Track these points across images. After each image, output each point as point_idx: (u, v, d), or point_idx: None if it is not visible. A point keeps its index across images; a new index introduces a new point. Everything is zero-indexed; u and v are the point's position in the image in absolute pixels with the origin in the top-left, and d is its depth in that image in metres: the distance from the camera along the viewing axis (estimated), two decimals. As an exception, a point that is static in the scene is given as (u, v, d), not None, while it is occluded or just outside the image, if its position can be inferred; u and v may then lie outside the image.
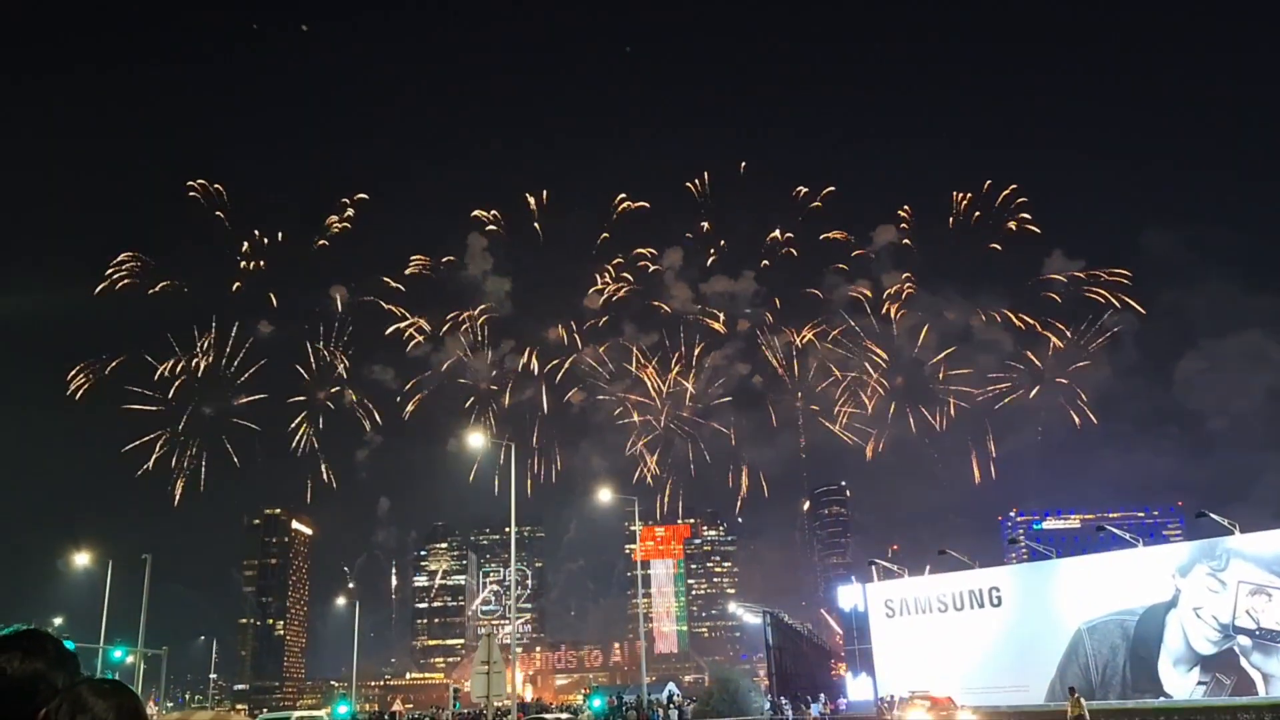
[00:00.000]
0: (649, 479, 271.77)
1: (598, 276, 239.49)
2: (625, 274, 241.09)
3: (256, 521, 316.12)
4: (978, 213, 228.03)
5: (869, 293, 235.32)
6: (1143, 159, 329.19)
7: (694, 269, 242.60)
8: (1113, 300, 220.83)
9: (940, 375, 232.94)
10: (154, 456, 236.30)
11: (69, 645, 3.62)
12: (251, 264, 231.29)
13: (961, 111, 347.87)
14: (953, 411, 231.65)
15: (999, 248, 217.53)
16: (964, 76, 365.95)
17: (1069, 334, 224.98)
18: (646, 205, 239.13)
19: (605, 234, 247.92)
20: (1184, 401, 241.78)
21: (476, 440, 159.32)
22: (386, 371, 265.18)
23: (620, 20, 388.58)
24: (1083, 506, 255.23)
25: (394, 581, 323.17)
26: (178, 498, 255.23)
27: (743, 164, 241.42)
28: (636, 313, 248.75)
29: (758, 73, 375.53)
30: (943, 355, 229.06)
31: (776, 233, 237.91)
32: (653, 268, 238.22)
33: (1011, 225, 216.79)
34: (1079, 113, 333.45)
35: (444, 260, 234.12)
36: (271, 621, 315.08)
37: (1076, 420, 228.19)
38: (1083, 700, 46.68)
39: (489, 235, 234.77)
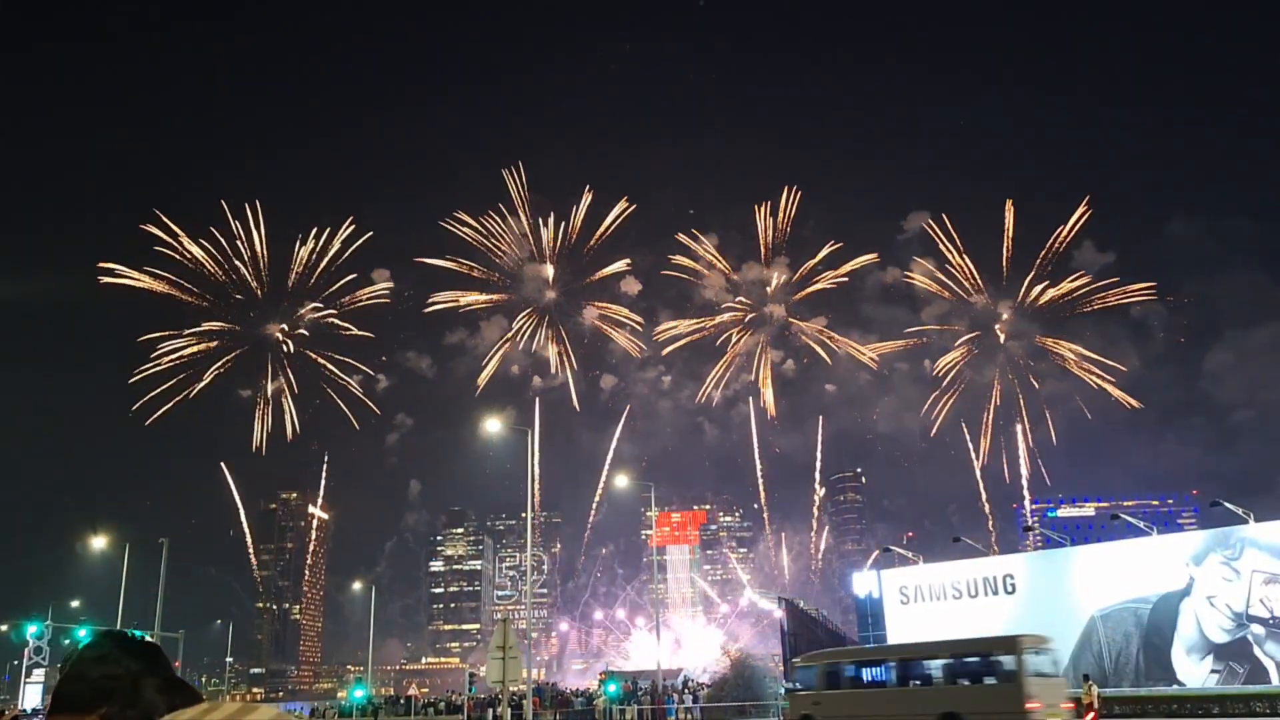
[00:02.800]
0: (676, 464, 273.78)
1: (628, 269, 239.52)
2: (661, 267, 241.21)
3: (272, 506, 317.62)
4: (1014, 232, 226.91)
5: (900, 275, 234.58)
6: (1169, 148, 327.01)
7: (729, 257, 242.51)
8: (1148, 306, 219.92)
9: (963, 363, 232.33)
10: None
11: (135, 634, 3.92)
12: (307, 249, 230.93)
13: (987, 100, 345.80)
14: (997, 401, 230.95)
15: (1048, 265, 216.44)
16: (988, 66, 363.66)
17: (1095, 335, 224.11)
18: (692, 210, 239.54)
19: (640, 222, 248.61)
20: (1210, 392, 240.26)
21: (494, 426, 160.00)
22: (422, 359, 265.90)
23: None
24: (1097, 494, 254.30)
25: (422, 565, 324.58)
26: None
27: (789, 186, 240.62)
28: (671, 299, 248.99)
29: (778, 63, 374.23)
30: (968, 342, 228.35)
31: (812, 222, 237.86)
32: (695, 256, 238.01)
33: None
34: (1101, 99, 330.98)
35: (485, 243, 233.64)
36: (288, 606, 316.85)
37: (1089, 415, 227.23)
38: (1095, 688, 46.76)
39: (528, 221, 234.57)
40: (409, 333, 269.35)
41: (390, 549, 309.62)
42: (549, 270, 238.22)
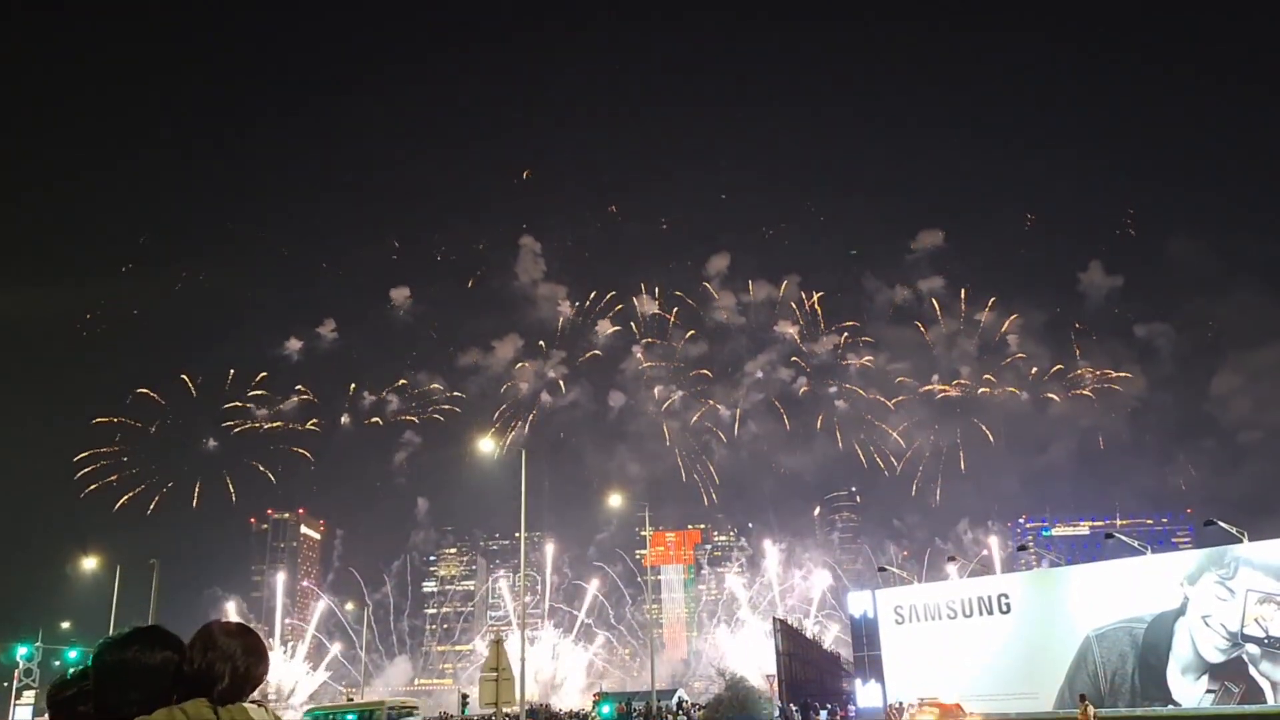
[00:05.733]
0: (679, 484, 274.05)
1: (644, 288, 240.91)
2: (674, 287, 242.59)
3: (265, 526, 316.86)
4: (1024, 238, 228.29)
5: (913, 289, 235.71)
6: (1170, 166, 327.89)
7: (738, 278, 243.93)
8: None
9: (969, 384, 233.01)
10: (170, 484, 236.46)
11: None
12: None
13: (991, 118, 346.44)
14: (1008, 427, 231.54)
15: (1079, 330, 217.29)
16: (991, 84, 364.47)
17: (1102, 355, 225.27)
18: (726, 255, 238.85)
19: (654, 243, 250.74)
20: (1214, 414, 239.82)
21: (487, 446, 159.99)
22: (434, 379, 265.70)
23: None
24: (1092, 513, 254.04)
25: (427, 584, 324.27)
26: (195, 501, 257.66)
27: (813, 210, 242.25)
28: (685, 319, 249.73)
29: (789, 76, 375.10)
30: (976, 365, 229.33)
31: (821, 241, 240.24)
32: (703, 283, 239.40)
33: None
34: (1105, 118, 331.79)
35: (481, 271, 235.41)
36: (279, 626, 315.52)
37: (1101, 438, 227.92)
38: (1091, 708, 46.60)
39: (542, 242, 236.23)
40: (421, 352, 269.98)
41: (397, 568, 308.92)
42: (562, 291, 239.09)
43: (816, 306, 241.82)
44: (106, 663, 4.42)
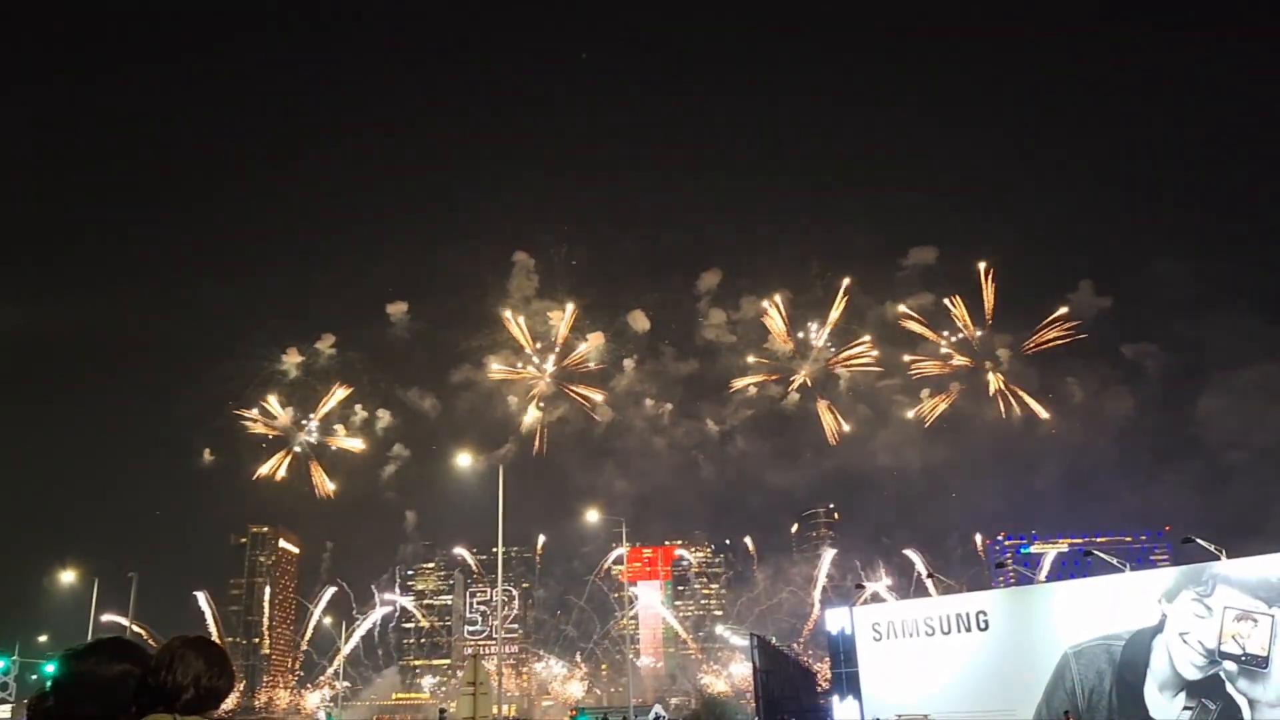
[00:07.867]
0: (663, 500, 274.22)
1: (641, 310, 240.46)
2: (664, 304, 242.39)
3: (243, 540, 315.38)
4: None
5: (899, 311, 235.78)
6: (1152, 188, 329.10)
7: (728, 296, 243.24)
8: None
9: (957, 401, 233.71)
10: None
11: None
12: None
13: (981, 136, 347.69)
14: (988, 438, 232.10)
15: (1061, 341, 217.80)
16: (983, 104, 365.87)
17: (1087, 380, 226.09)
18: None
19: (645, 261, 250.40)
20: (1199, 435, 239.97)
21: (464, 460, 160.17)
22: (425, 398, 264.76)
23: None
24: (1070, 530, 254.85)
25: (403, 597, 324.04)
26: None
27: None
28: (675, 335, 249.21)
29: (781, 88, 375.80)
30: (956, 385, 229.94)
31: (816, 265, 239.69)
32: (694, 298, 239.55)
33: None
34: (1092, 139, 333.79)
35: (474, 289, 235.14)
36: (257, 641, 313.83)
37: (1087, 458, 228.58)
38: (1073, 725, 46.79)
39: (536, 258, 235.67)
40: (414, 369, 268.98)
41: (384, 583, 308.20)
42: (553, 307, 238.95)
43: (806, 323, 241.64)
44: (64, 674, 4.52)
